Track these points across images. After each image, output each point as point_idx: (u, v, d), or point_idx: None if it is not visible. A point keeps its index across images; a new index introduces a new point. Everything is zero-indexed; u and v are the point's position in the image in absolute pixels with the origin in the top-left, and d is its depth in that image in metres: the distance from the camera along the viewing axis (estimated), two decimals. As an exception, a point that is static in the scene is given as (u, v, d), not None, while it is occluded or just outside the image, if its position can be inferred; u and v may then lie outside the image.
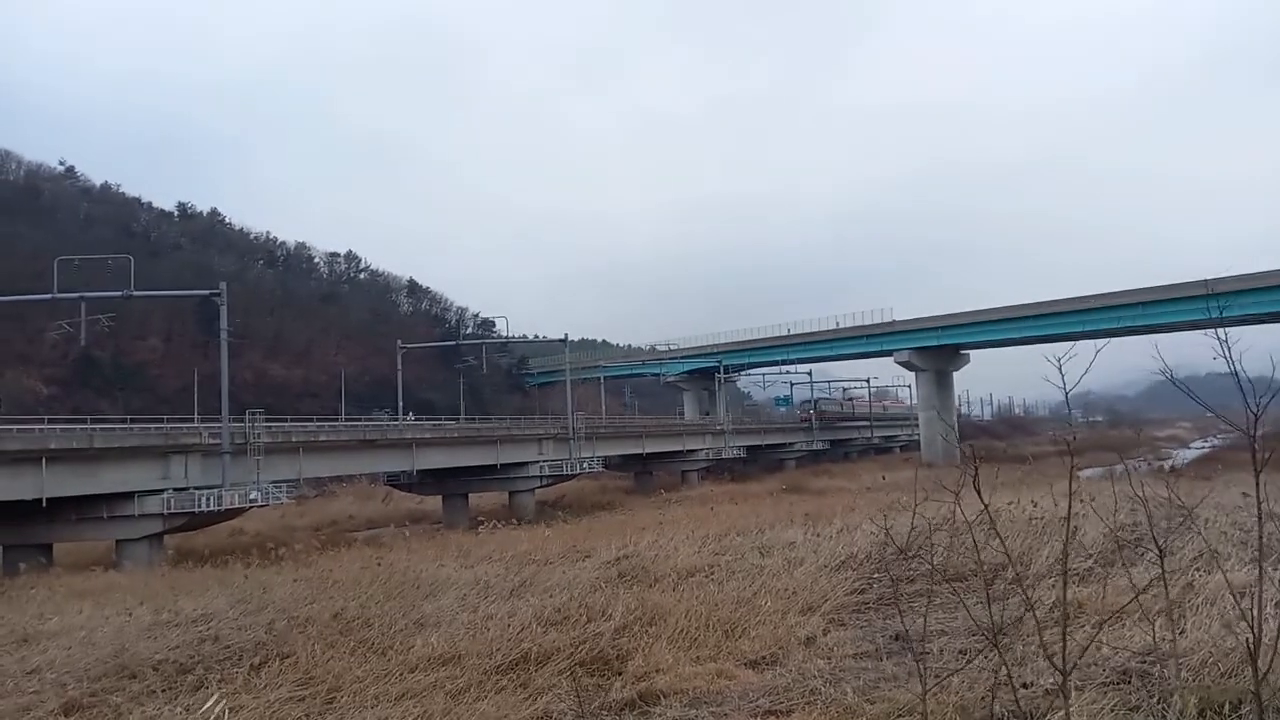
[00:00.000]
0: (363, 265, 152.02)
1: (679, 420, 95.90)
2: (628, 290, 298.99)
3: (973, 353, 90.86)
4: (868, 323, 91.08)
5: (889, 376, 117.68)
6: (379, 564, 23.39)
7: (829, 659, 10.58)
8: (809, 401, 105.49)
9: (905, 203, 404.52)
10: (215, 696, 11.46)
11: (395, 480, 57.53)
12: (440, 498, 57.69)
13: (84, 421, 36.32)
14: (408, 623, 18.21)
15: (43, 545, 35.51)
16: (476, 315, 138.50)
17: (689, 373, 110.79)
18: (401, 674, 14.79)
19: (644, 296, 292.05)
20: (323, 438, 44.30)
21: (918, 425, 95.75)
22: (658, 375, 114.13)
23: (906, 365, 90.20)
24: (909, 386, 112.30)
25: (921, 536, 10.33)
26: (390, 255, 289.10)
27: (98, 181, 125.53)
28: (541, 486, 58.71)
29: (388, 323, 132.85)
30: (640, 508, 59.04)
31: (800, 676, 9.72)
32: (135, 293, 37.91)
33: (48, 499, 32.47)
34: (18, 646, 18.90)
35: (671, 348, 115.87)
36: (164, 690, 15.03)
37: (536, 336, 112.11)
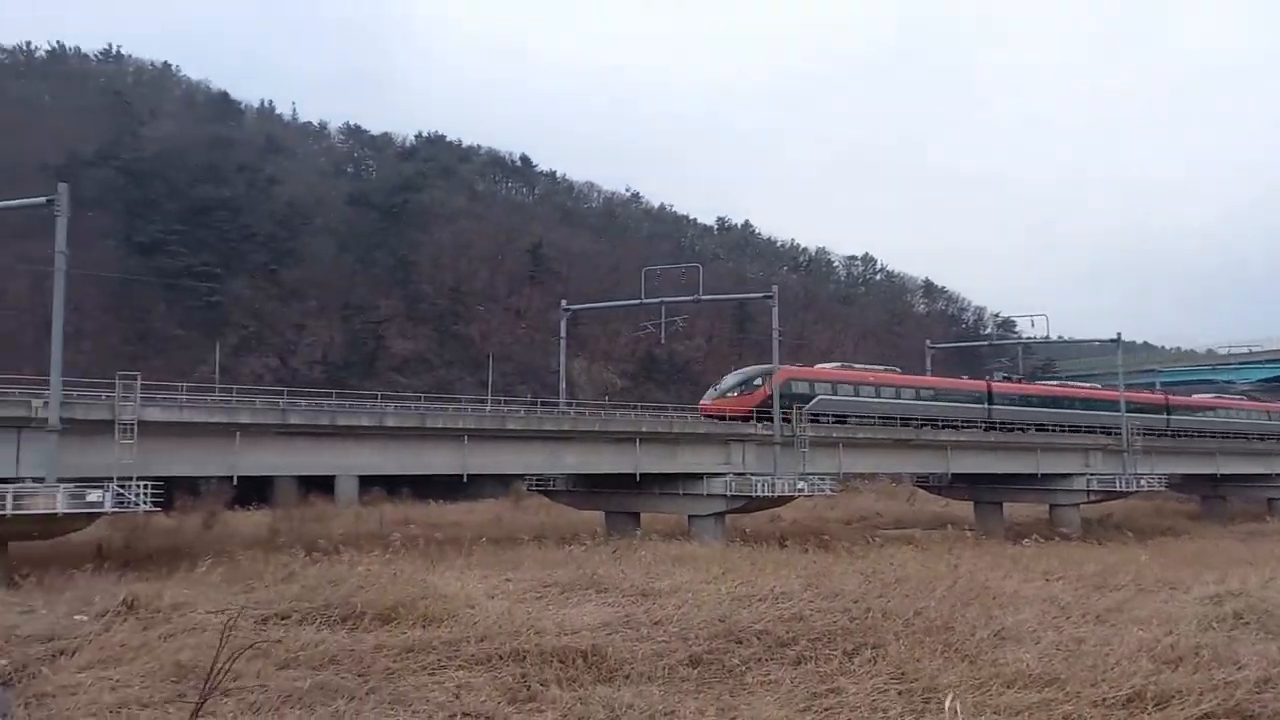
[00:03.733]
0: (879, 267, 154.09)
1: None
2: (1165, 283, 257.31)
3: None
4: None
5: None
6: (955, 566, 23.18)
7: None
8: None
9: None
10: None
11: (925, 481, 56.99)
12: (971, 503, 55.69)
13: (665, 410, 42.80)
14: (988, 633, 17.58)
15: (632, 514, 42.22)
16: (996, 315, 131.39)
17: (1267, 380, 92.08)
18: (996, 685, 14.25)
19: (1187, 290, 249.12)
20: (860, 435, 45.68)
21: None
22: (1229, 382, 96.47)
23: None
24: None
25: None
26: (906, 257, 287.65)
27: (656, 203, 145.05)
28: (1088, 502, 53.30)
29: (903, 323, 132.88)
30: (1213, 537, 50.32)
31: None
32: (704, 297, 43.12)
33: (641, 474, 38.22)
34: (640, 599, 22.39)
35: (1250, 350, 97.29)
36: (769, 658, 16.54)
37: (1060, 338, 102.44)
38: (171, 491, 29.29)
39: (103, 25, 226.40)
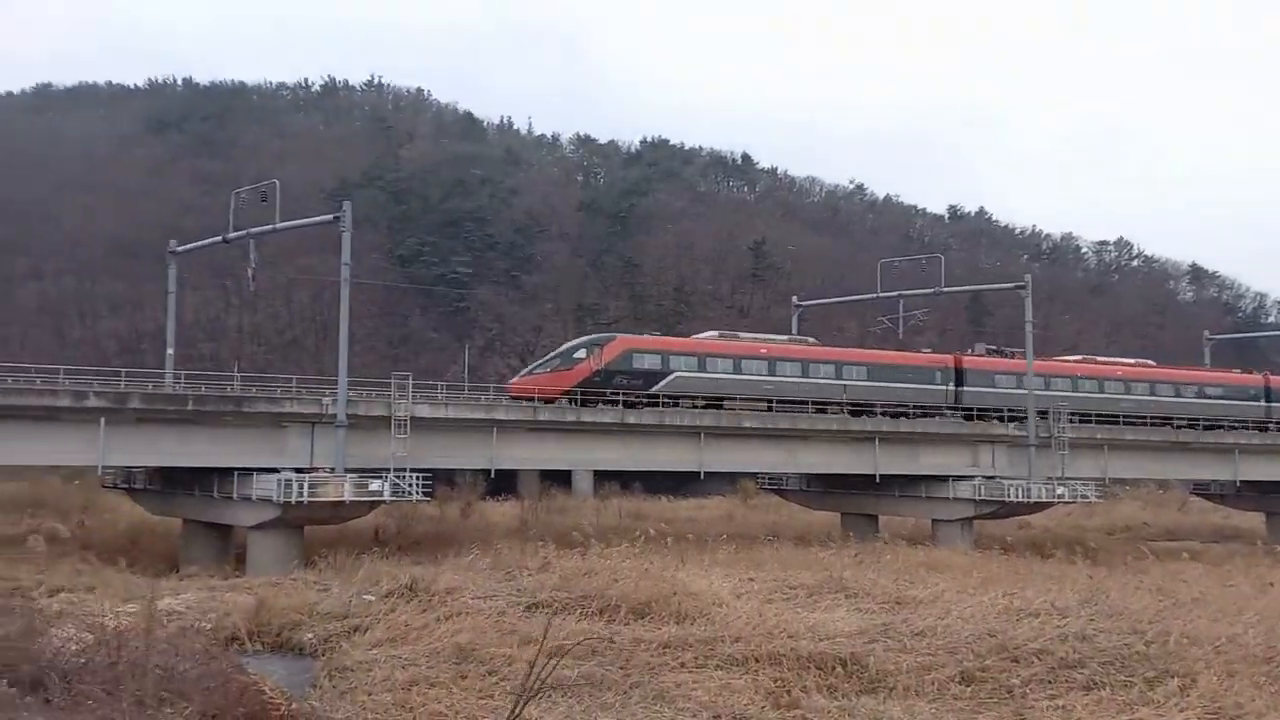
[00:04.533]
0: (1135, 252, 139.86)
1: None
2: None
3: None
4: None
5: None
6: (1270, 585, 20.42)
7: None
8: None
9: None
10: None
11: (1204, 489, 50.80)
12: (1259, 515, 49.08)
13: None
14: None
15: (870, 516, 40.79)
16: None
17: None
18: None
19: None
20: (1128, 436, 41.38)
21: None
22: None
23: None
24: None
25: None
26: (1167, 240, 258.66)
27: (881, 195, 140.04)
28: None
29: (1163, 313, 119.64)
30: None
31: None
32: (945, 289, 40.86)
33: (880, 475, 36.84)
34: (894, 607, 21.49)
35: None
36: (1053, 681, 15.19)
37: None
38: (432, 483, 31.67)
39: (366, 58, 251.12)
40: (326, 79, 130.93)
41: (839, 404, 38.32)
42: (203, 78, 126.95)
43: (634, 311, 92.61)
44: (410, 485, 29.07)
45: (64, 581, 24.14)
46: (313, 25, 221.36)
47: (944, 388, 40.58)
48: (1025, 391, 38.78)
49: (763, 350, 39.07)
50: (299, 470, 28.44)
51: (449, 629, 18.27)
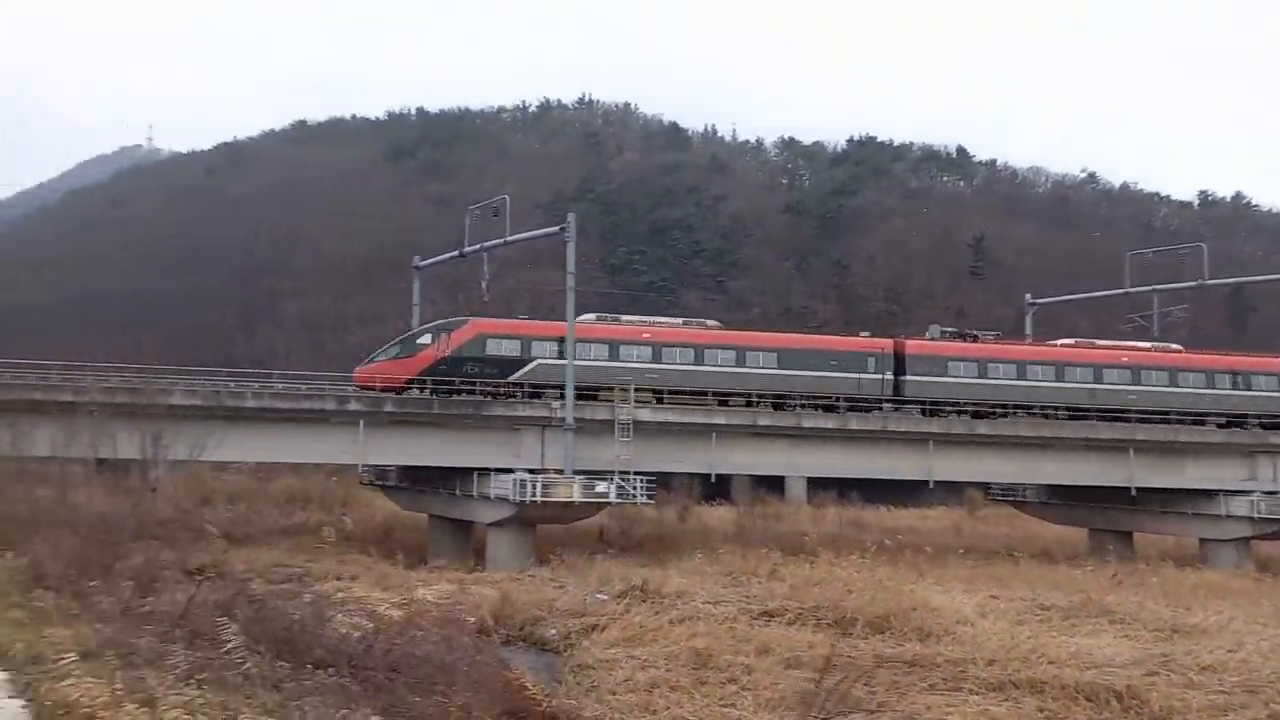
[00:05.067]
0: None
1: None
2: None
3: None
4: None
5: None
6: None
7: None
8: None
9: None
10: None
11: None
12: None
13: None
14: None
15: (1124, 532, 37.01)
16: None
17: None
18: None
19: None
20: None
21: None
22: None
23: None
24: None
25: None
26: None
27: (1116, 183, 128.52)
28: None
29: None
30: None
31: None
32: (1209, 282, 36.47)
33: (1136, 488, 33.43)
34: (1171, 636, 19.30)
35: None
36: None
37: None
38: (655, 486, 32.07)
39: (577, 77, 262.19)
40: (542, 100, 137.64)
41: (755, 397, 33.89)
42: (433, 106, 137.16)
43: (844, 314, 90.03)
44: (635, 488, 29.62)
45: (331, 569, 26.56)
46: (526, 53, 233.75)
47: (878, 377, 35.00)
48: (990, 382, 34.52)
49: (645, 335, 34.96)
50: (531, 471, 29.74)
51: (683, 633, 18.30)
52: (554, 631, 19.26)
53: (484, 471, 30.06)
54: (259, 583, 18.53)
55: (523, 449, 31.06)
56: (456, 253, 35.81)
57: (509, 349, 33.40)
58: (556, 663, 17.95)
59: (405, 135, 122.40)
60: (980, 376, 35.28)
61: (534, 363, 32.92)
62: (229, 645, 8.17)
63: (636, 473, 30.29)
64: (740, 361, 34.87)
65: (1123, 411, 34.60)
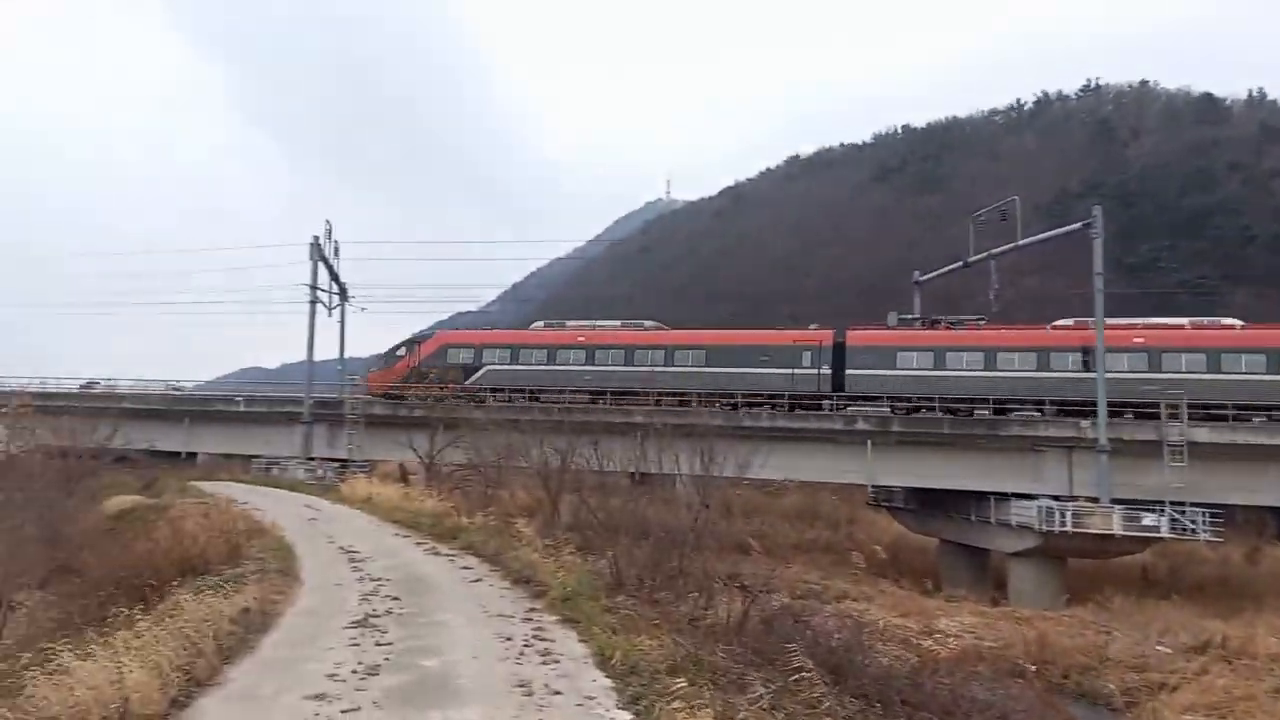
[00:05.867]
0: None
1: None
2: None
3: None
4: None
5: None
6: None
7: None
8: None
9: None
10: None
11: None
12: None
13: None
14: None
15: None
16: None
17: None
18: None
19: None
20: None
21: None
22: None
23: None
24: None
25: None
26: None
27: None
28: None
29: None
30: None
31: None
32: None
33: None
34: None
35: None
36: None
37: None
38: (1221, 520, 26.54)
39: (1082, 67, 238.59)
40: (1040, 94, 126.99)
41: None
42: (919, 121, 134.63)
43: None
44: (1194, 521, 24.97)
45: (846, 588, 26.58)
46: (1025, 49, 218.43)
47: (813, 371, 33.32)
48: (947, 373, 30.92)
49: (580, 338, 37.13)
50: (1056, 498, 26.78)
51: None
52: (1112, 686, 16.78)
53: (1001, 496, 27.83)
54: (785, 598, 19.07)
55: (1046, 472, 28.15)
56: (960, 263, 34.09)
57: (465, 357, 37.81)
58: (1120, 722, 15.62)
59: (891, 154, 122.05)
60: (937, 368, 31.80)
61: (484, 369, 37.33)
62: (800, 674, 8.13)
63: (1194, 504, 25.57)
64: (669, 360, 35.77)
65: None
